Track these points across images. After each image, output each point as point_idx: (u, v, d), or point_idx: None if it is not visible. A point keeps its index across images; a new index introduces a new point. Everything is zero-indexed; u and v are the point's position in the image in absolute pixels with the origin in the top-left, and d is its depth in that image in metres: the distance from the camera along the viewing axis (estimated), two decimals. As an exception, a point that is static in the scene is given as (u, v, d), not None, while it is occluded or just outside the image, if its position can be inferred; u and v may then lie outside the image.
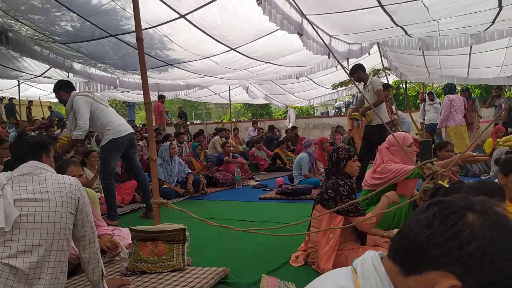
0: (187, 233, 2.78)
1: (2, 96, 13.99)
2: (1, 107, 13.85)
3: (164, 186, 5.92)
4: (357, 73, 5.56)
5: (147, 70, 7.06)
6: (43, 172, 1.98)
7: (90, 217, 2.11)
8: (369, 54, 7.76)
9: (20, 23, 5.30)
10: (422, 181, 2.46)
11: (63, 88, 4.31)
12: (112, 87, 8.37)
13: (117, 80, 8.27)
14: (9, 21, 5.33)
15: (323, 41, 4.78)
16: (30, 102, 14.82)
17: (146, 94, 2.96)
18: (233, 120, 14.45)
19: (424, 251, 0.76)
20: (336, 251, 2.65)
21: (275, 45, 6.08)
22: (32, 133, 1.83)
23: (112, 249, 2.82)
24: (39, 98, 15.08)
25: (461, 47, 6.63)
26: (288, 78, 9.69)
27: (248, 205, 5.20)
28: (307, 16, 4.98)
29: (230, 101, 12.40)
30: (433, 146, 3.50)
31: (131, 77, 8.15)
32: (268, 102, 14.67)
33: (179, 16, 4.90)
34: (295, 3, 4.58)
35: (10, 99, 14.26)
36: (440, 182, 2.39)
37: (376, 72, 14.88)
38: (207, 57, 6.29)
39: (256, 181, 7.05)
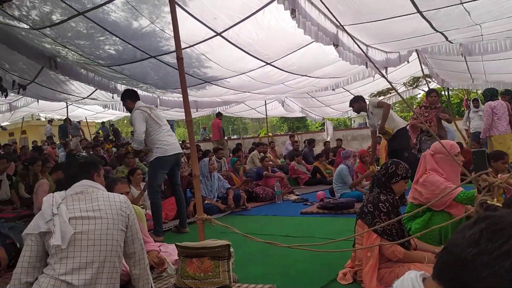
0: (231, 249, 2.77)
1: (52, 118, 14.82)
2: (52, 128, 14.63)
3: (206, 202, 5.96)
4: (358, 103, 5.61)
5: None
6: (94, 191, 2.06)
7: (139, 234, 2.15)
8: (408, 62, 7.56)
9: (67, 49, 5.62)
10: (478, 193, 2.32)
11: (129, 98, 4.57)
12: (153, 105, 8.65)
13: (158, 99, 8.55)
14: (57, 47, 5.66)
15: (361, 50, 4.70)
16: (78, 122, 15.51)
17: (187, 112, 3.01)
18: (270, 134, 14.48)
19: (470, 271, 0.69)
20: (386, 268, 2.54)
21: (311, 57, 6.06)
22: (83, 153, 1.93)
23: (159, 265, 2.86)
24: (86, 118, 15.87)
25: (506, 51, 6.31)
26: (324, 90, 9.63)
27: (290, 220, 5.14)
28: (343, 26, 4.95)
29: (266, 115, 12.46)
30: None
31: (170, 96, 8.39)
32: (304, 115, 14.61)
33: (215, 34, 5.01)
34: (331, 13, 4.56)
35: (65, 120, 15.03)
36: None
37: (416, 80, 14.46)
38: (244, 73, 6.37)
39: (296, 195, 6.97)
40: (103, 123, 17.15)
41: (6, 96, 7.32)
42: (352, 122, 34.49)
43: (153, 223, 4.40)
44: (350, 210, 5.11)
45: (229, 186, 6.49)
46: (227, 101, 9.75)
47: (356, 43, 4.53)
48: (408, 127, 5.56)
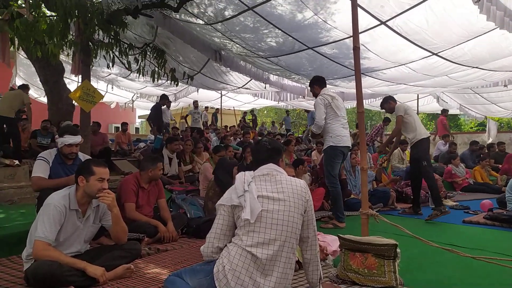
0: (398, 250, 2.59)
1: (206, 106, 16.49)
2: (207, 115, 16.28)
3: (352, 197, 5.82)
4: (388, 103, 5.38)
5: (335, 79, 7.11)
6: (279, 174, 2.16)
7: (314, 220, 2.17)
8: None
9: (233, 42, 6.08)
10: None
11: (316, 83, 4.72)
12: (300, 96, 8.83)
13: (306, 89, 8.66)
14: (225, 41, 6.17)
15: None
16: (217, 110, 16.87)
17: (359, 103, 2.91)
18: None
19: None
20: None
21: (488, 47, 5.29)
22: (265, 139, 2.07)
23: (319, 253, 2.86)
24: (233, 107, 17.20)
25: None
26: (493, 85, 8.36)
27: (450, 227, 4.62)
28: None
29: (417, 111, 11.48)
30: None
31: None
32: (462, 113, 13.00)
33: (379, 23, 4.77)
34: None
35: (217, 109, 16.68)
36: None
37: None
38: (404, 64, 5.94)
39: (454, 201, 6.24)
40: (244, 112, 18.41)
41: (177, 85, 8.39)
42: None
43: (333, 211, 4.57)
44: (530, 226, 4.33)
45: (374, 176, 6.21)
46: (376, 93, 9.29)
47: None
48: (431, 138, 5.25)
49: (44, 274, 2.28)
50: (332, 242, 3.09)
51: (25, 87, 7.93)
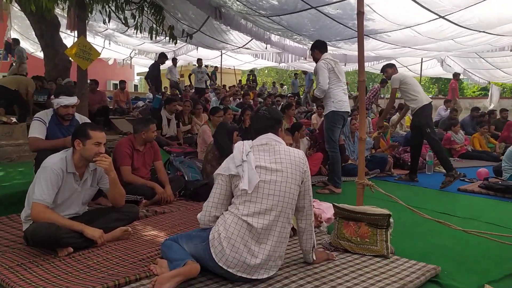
0: (391, 220, 2.63)
1: (206, 65, 16.19)
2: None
3: (349, 162, 5.84)
4: (386, 71, 5.28)
5: (338, 41, 6.93)
6: (277, 144, 2.15)
7: (311, 191, 2.19)
8: None
9: (233, -1, 5.85)
10: None
11: (318, 48, 4.58)
12: (302, 57, 8.64)
13: (308, 51, 8.44)
14: (225, -3, 5.94)
15: None
16: (216, 68, 16.48)
17: (361, 71, 2.84)
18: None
19: None
20: None
21: (497, 11, 5.09)
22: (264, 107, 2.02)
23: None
24: (234, 67, 16.90)
25: None
26: (499, 50, 8.16)
27: (445, 195, 4.67)
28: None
29: (421, 75, 11.30)
30: None
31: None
32: (465, 77, 12.80)
33: (387, -17, 4.56)
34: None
35: (215, 67, 16.31)
36: None
37: None
38: (409, 27, 5.75)
39: (451, 168, 6.27)
40: (248, 74, 18.19)
41: (175, 43, 8.18)
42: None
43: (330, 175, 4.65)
44: (524, 196, 4.38)
45: (372, 144, 6.21)
46: (380, 56, 9.09)
47: None
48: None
49: (42, 236, 2.32)
50: (327, 210, 3.14)
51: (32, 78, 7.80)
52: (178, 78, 12.33)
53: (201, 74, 12.13)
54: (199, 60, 12.28)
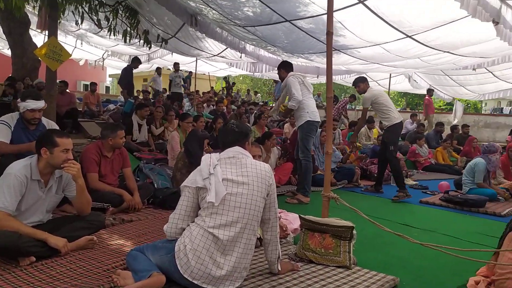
0: (354, 232, 2.73)
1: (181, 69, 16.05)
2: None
3: (318, 172, 5.96)
4: (358, 86, 5.43)
5: (311, 54, 7.09)
6: (244, 157, 2.20)
7: (276, 203, 2.25)
8: None
9: (209, 8, 5.90)
10: None
11: (284, 67, 4.86)
12: (276, 68, 8.74)
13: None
14: (201, 6, 5.97)
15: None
16: (190, 73, 16.24)
17: (329, 88, 2.93)
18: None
19: None
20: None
21: (460, 33, 5.39)
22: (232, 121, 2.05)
23: (280, 232, 2.96)
24: (208, 73, 16.86)
25: None
26: (462, 69, 8.59)
27: (407, 207, 4.86)
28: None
29: (389, 89, 11.69)
30: None
31: (295, 60, 8.34)
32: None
33: (357, 1, 4.74)
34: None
35: (190, 73, 16.13)
36: None
37: None
38: (379, 44, 5.98)
39: (414, 180, 6.53)
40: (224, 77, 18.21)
41: (150, 47, 8.12)
42: (483, 105, 30.47)
43: (299, 184, 4.81)
44: (480, 209, 4.62)
45: (341, 158, 6.38)
46: (350, 70, 9.36)
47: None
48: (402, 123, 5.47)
49: (3, 244, 2.26)
50: (294, 220, 3.20)
51: None
52: (163, 89, 12.07)
53: (178, 78, 11.79)
54: (176, 64, 11.96)
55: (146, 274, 1.99)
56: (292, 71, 4.83)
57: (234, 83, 19.47)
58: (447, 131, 10.77)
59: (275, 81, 17.26)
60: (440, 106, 25.58)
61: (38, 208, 2.64)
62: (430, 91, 11.45)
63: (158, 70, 12.10)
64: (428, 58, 6.66)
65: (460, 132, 9.80)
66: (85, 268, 2.34)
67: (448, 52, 6.29)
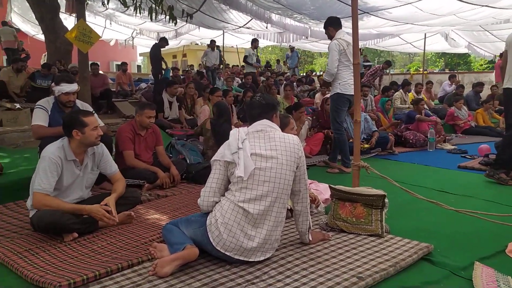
0: (386, 200, 2.69)
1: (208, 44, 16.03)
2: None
3: (350, 141, 5.86)
4: (328, 29, 4.45)
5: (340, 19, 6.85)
6: (272, 130, 2.20)
7: (306, 174, 2.25)
8: None
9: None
10: None
11: (332, 24, 4.40)
12: (303, 37, 8.54)
13: (309, 30, 8.35)
14: (224, -24, 5.85)
15: None
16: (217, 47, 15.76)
17: (355, 54, 2.83)
18: (425, 71, 12.98)
19: None
20: None
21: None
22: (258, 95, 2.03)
23: (311, 202, 2.97)
24: (236, 45, 16.73)
25: None
26: (504, 22, 8.01)
27: (445, 173, 4.70)
28: None
29: (424, 50, 11.13)
30: None
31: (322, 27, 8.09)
32: (470, 51, 12.57)
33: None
34: None
35: (217, 47, 16.00)
36: None
37: None
38: (411, 3, 5.65)
39: (453, 145, 6.30)
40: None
41: (175, 23, 8.11)
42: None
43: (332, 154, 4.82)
44: (523, 172, 4.39)
45: (376, 129, 6.22)
46: (382, 33, 8.96)
47: None
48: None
49: (47, 223, 2.42)
50: (325, 191, 3.20)
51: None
52: (214, 64, 11.12)
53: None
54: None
55: (180, 246, 2.06)
56: (341, 27, 4.39)
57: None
58: (487, 91, 10.18)
59: (291, 49, 16.45)
60: (482, 65, 24.13)
61: (78, 185, 2.79)
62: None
63: (212, 43, 11.09)
64: (465, 14, 6.25)
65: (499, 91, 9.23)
66: (124, 241, 2.47)
67: (486, 6, 5.86)
